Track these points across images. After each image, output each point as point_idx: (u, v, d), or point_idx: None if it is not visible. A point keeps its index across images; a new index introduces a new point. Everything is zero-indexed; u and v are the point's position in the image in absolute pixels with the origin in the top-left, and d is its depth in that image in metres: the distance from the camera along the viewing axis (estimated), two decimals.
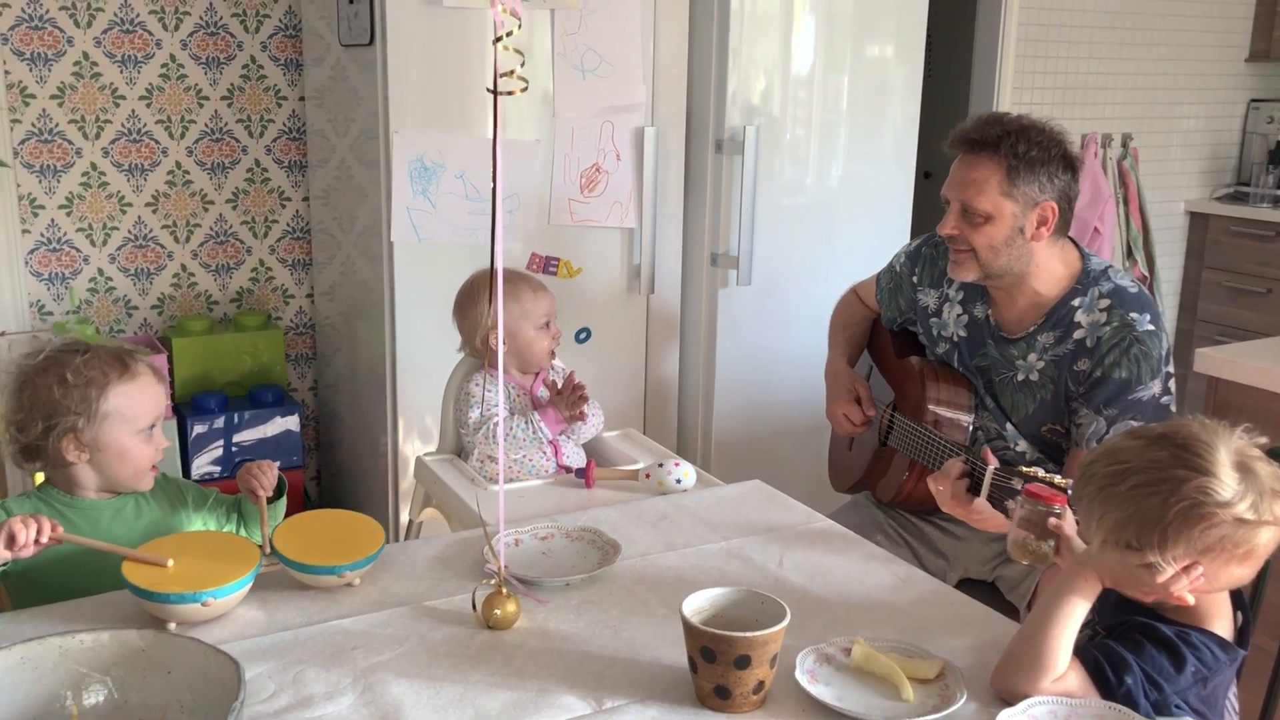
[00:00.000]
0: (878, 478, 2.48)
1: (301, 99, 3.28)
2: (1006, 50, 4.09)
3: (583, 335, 3.02)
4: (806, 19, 3.10)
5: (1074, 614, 1.40)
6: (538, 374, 2.38)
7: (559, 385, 2.31)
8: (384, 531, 1.73)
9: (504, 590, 1.58)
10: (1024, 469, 1.80)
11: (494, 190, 1.36)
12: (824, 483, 2.65)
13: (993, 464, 1.89)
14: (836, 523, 2.40)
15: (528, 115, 2.84)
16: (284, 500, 1.90)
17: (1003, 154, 2.10)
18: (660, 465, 2.16)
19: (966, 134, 2.17)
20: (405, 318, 2.79)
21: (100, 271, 3.13)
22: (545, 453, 2.29)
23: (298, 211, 3.36)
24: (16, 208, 2.97)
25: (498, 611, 1.57)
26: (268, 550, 1.67)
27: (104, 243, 3.12)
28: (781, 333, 3.24)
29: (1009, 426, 2.23)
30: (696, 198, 3.15)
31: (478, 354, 2.36)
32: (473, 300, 2.31)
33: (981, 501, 1.90)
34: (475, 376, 2.33)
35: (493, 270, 1.41)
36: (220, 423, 3.06)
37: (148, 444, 1.77)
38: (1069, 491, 1.63)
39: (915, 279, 2.41)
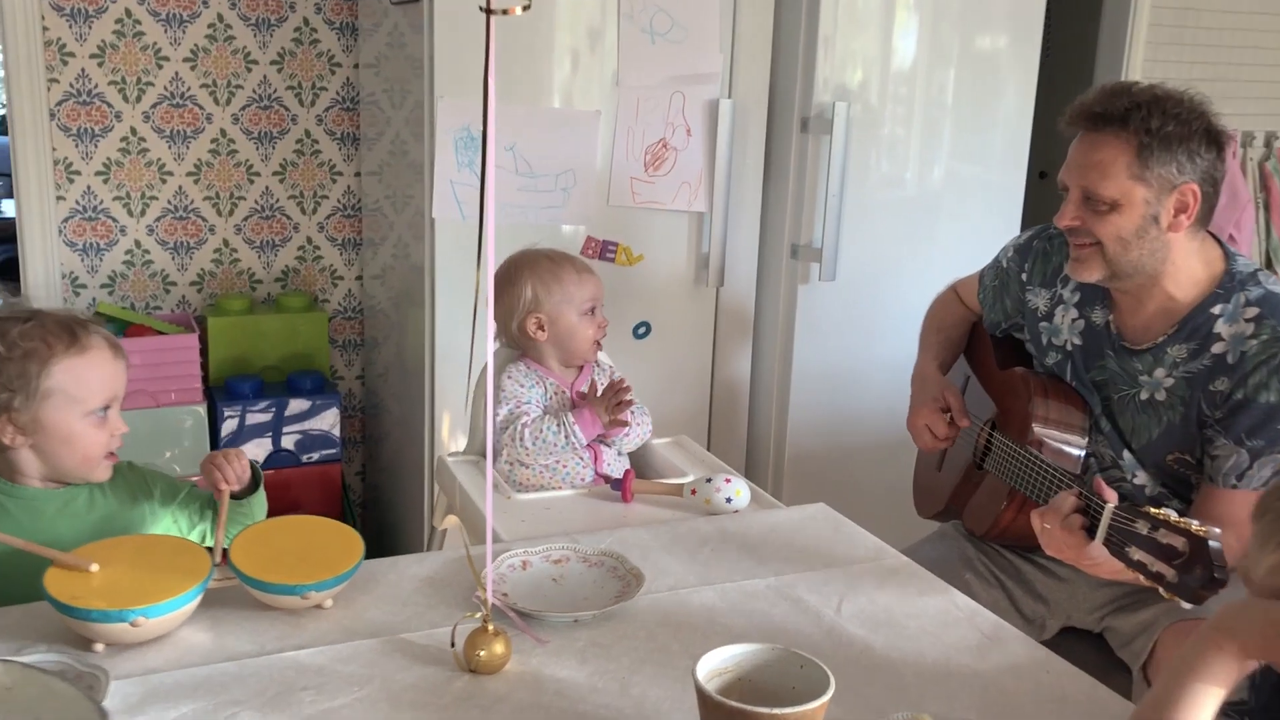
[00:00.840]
0: (970, 505, 2.15)
1: (356, 66, 3.05)
2: (1135, 42, 3.69)
3: (641, 330, 2.73)
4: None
5: (1206, 703, 1.07)
6: (581, 369, 2.10)
7: (599, 386, 2.03)
8: (363, 545, 1.47)
9: (490, 627, 1.30)
10: (1151, 510, 1.46)
11: (484, 130, 1.08)
12: (909, 507, 2.32)
13: (1112, 501, 1.55)
14: (918, 555, 2.09)
15: (586, 82, 2.56)
16: (260, 498, 1.65)
17: (1132, 129, 1.76)
18: (709, 481, 1.86)
19: (1088, 107, 1.83)
20: (446, 303, 2.53)
21: (137, 244, 2.95)
22: (583, 459, 2.01)
23: (349, 187, 3.14)
24: (51, 172, 2.80)
25: (481, 653, 1.29)
26: (218, 559, 1.42)
27: (142, 213, 2.94)
28: (867, 336, 2.90)
29: (1126, 454, 1.89)
30: (777, 182, 2.84)
31: (514, 343, 2.09)
32: (510, 282, 2.04)
33: (1098, 546, 1.56)
34: (509, 369, 2.06)
35: (481, 226, 1.13)
36: (252, 409, 2.85)
37: (100, 428, 1.54)
38: (1210, 541, 1.29)
39: (1025, 276, 2.07)
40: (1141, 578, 1.48)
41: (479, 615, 1.31)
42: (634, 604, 1.45)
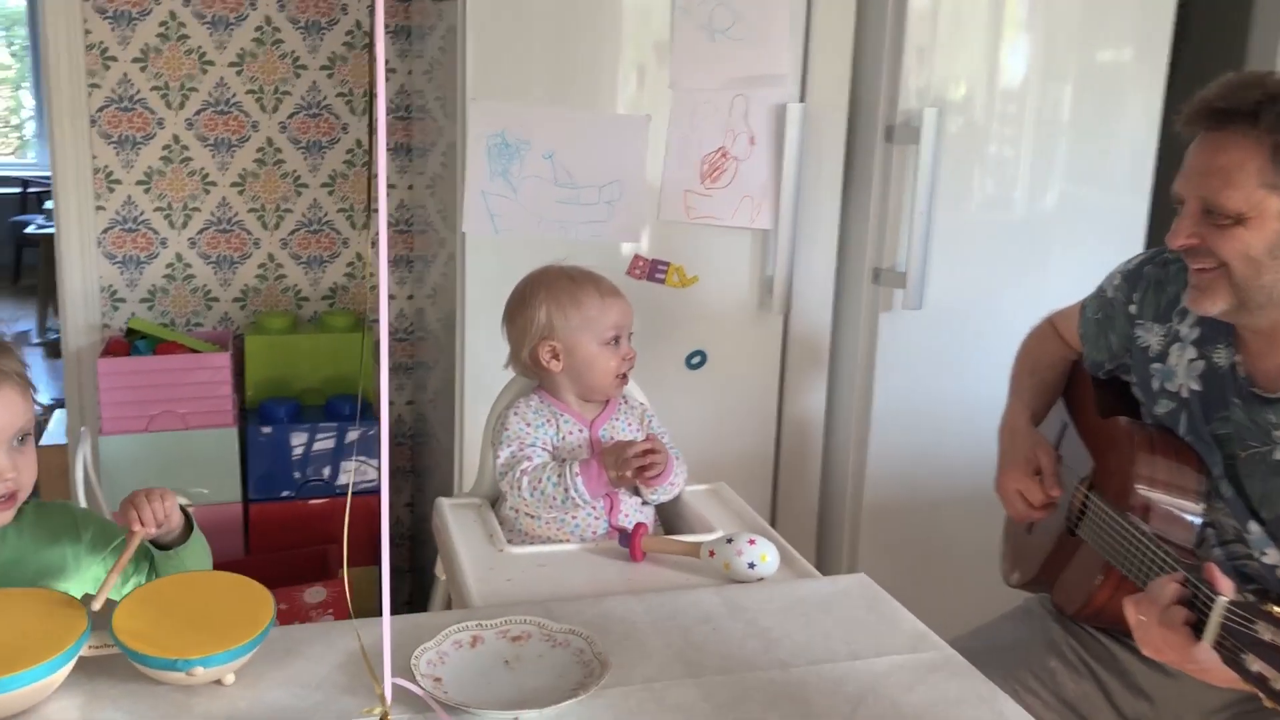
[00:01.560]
0: (1060, 578, 1.81)
1: (410, 73, 2.87)
2: None
3: (695, 360, 2.45)
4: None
5: None
6: (606, 404, 1.83)
7: (624, 426, 1.82)
8: (273, 610, 1.23)
9: None
10: (1278, 610, 1.13)
11: (371, 106, 0.83)
12: (999, 570, 1.99)
13: (1226, 592, 1.22)
14: (994, 636, 1.76)
15: (636, 84, 2.31)
16: (195, 549, 1.44)
17: (1264, 128, 1.43)
18: (729, 541, 1.58)
19: (1209, 103, 1.50)
20: (475, 327, 2.31)
21: (179, 257, 2.82)
22: (595, 509, 1.74)
23: (402, 201, 2.95)
24: (91, 181, 2.69)
25: None
26: (96, 606, 1.20)
27: (184, 225, 2.81)
28: (959, 372, 2.56)
29: (1254, 525, 1.54)
30: (857, 197, 2.53)
31: (527, 373, 1.85)
32: (523, 303, 1.80)
33: (1206, 650, 1.24)
34: (518, 404, 1.82)
35: (369, 207, 0.88)
36: (286, 434, 2.67)
37: None
38: None
39: (1134, 309, 1.74)
40: (1262, 696, 1.15)
41: (376, 712, 1.05)
42: (591, 701, 1.18)
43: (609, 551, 1.66)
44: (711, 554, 1.58)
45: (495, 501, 1.84)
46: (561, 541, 1.73)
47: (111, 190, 2.74)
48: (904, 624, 1.40)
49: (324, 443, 2.71)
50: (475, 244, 2.27)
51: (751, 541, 1.57)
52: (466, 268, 2.28)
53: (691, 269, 2.39)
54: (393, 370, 3.06)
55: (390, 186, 2.94)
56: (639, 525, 1.65)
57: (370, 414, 2.80)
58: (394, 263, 2.98)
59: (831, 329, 2.59)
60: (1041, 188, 2.55)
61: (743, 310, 2.47)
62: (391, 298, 3.00)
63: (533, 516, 1.75)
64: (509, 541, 1.75)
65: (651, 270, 2.36)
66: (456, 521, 1.78)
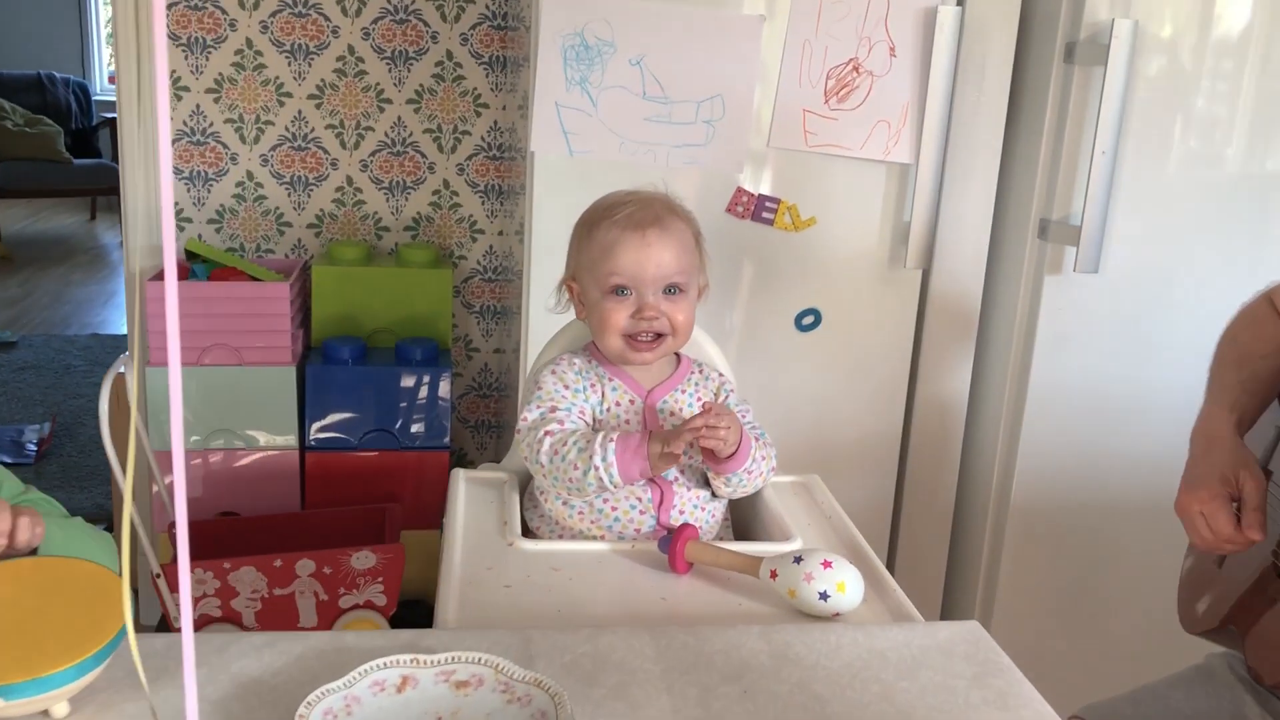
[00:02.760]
0: (1259, 633, 1.36)
1: None
2: None
3: (807, 321, 2.02)
4: None
5: None
6: (675, 370, 1.45)
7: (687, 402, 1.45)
8: (127, 615, 0.91)
9: None
10: None
11: None
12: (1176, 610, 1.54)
13: None
14: (1164, 706, 1.33)
15: None
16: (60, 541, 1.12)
17: None
18: (798, 561, 1.18)
19: None
20: (541, 265, 1.95)
21: (249, 175, 2.55)
22: (640, 500, 1.37)
23: (496, 122, 2.61)
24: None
25: None
26: None
27: (255, 140, 2.54)
28: (1142, 353, 2.06)
29: None
30: (1025, 129, 2.05)
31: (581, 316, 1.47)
32: (583, 227, 1.43)
33: None
34: (562, 359, 1.45)
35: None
36: (347, 378, 2.38)
37: None
38: None
39: None
40: None
41: None
42: None
43: (646, 558, 1.28)
44: (774, 575, 1.19)
45: (529, 482, 1.48)
46: (594, 538, 1.36)
47: (179, 98, 2.48)
48: (1021, 704, 0.98)
49: (391, 390, 2.41)
50: (545, 168, 1.90)
51: (827, 564, 1.17)
52: (534, 195, 1.92)
53: (808, 209, 1.96)
54: (479, 314, 2.74)
55: (483, 106, 2.60)
56: (685, 528, 1.27)
57: (448, 360, 2.49)
58: (484, 192, 2.64)
59: (984, 292, 2.12)
60: (1264, 132, 2.01)
61: (870, 263, 2.03)
62: (480, 232, 2.67)
63: (566, 503, 1.39)
64: (527, 533, 1.39)
65: (758, 208, 1.94)
66: (468, 500, 1.43)
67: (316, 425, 2.41)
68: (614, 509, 1.38)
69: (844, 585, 1.16)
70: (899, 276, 2.04)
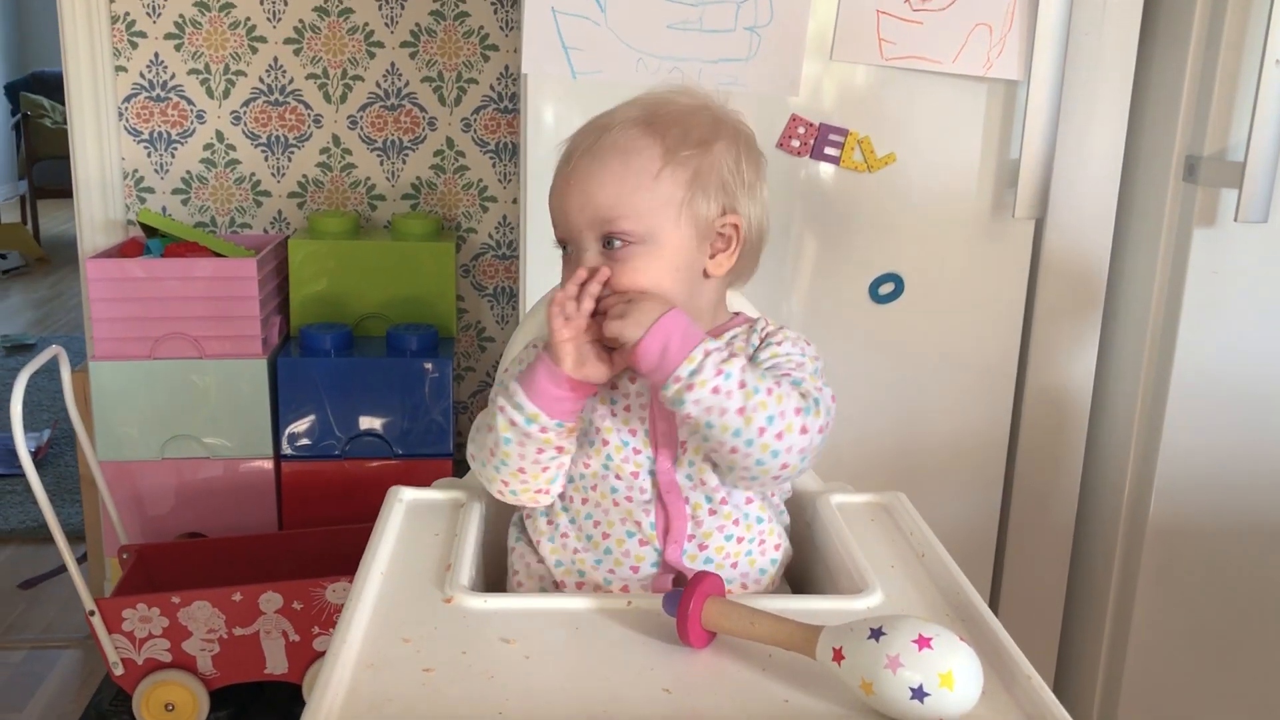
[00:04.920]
0: None
1: None
2: None
3: (886, 289, 1.57)
4: None
5: None
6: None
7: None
8: None
9: None
10: None
11: None
12: None
13: None
14: None
15: None
16: None
17: None
18: (877, 637, 0.74)
19: None
20: (538, 224, 1.52)
21: (219, 136, 2.18)
22: (641, 523, 0.95)
23: (507, 68, 2.20)
24: (109, 32, 2.07)
25: None
26: None
27: (225, 94, 2.16)
28: None
29: None
30: (1166, 39, 1.59)
31: None
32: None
33: None
34: (536, 344, 1.03)
35: None
36: (326, 373, 1.99)
37: None
38: None
39: None
40: None
41: None
42: None
43: (647, 622, 0.86)
44: (839, 656, 0.75)
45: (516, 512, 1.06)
46: (589, 587, 0.95)
47: (134, 46, 2.11)
48: None
49: (382, 386, 2.01)
50: (541, 94, 1.49)
51: (925, 642, 0.73)
52: (529, 132, 1.50)
53: (884, 143, 1.52)
54: (493, 297, 2.32)
55: (491, 48, 2.19)
56: (703, 579, 0.83)
57: (451, 350, 2.08)
58: (494, 152, 2.24)
59: (1113, 250, 1.65)
60: None
61: (966, 213, 1.57)
62: (491, 200, 2.26)
63: (578, 537, 0.98)
64: (499, 587, 0.98)
65: (819, 142, 1.50)
66: (403, 532, 1.01)
67: (291, 429, 2.02)
68: (601, 530, 0.96)
69: (951, 677, 0.72)
70: (1004, 229, 1.58)
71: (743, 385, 0.87)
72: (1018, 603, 1.77)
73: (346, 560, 1.91)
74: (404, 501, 1.07)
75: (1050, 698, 0.75)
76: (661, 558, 0.95)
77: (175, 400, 1.98)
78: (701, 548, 0.95)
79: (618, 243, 0.92)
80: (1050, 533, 1.75)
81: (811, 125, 1.49)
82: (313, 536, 1.97)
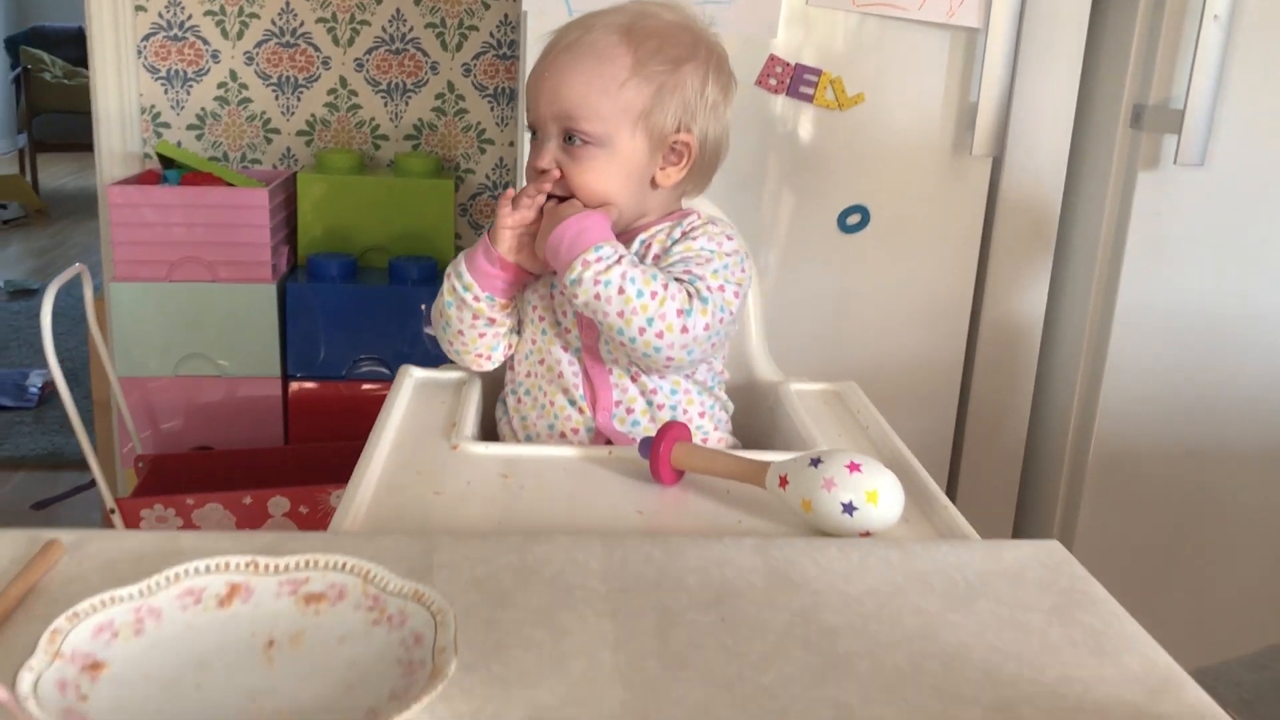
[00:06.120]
0: None
1: None
2: None
3: (853, 220, 1.71)
4: None
5: None
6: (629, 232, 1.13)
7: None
8: None
9: None
10: None
11: None
12: None
13: None
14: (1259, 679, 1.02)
15: None
16: None
17: None
18: (814, 464, 0.87)
19: None
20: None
21: (232, 75, 2.29)
22: (571, 395, 1.09)
23: (506, 16, 2.32)
24: None
25: None
26: None
27: (239, 35, 2.28)
28: (1256, 264, 1.73)
29: None
30: (1118, 4, 1.72)
31: None
32: None
33: None
34: None
35: None
36: (333, 297, 2.12)
37: None
38: None
39: None
40: None
41: None
42: None
43: (626, 466, 0.99)
44: (784, 482, 0.89)
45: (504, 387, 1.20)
46: (544, 440, 1.09)
47: None
48: (1124, 648, 0.67)
49: (384, 312, 2.14)
50: (541, 28, 1.61)
51: (854, 467, 0.87)
52: (523, 67, 1.63)
53: (855, 83, 1.65)
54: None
55: (485, 5, 2.31)
56: (672, 427, 0.97)
57: (439, 277, 2.21)
58: (493, 96, 2.36)
59: (1065, 189, 1.79)
60: None
61: (929, 150, 1.71)
62: (489, 142, 2.38)
63: (531, 407, 1.11)
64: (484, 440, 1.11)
65: (794, 81, 1.63)
66: (414, 399, 1.15)
67: (300, 351, 2.15)
68: (548, 400, 1.10)
69: (876, 494, 0.86)
70: (963, 166, 1.71)
71: (622, 291, 0.98)
72: (970, 514, 1.91)
73: (349, 471, 2.05)
74: (414, 377, 1.20)
75: (961, 520, 0.89)
76: (594, 423, 1.09)
77: (189, 321, 2.10)
78: (629, 412, 1.08)
79: (577, 140, 1.02)
80: (1001, 454, 1.89)
81: (788, 65, 1.63)
82: (317, 451, 2.10)
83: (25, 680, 0.54)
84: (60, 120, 6.27)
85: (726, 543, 0.78)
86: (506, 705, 0.58)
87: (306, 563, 0.67)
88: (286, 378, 2.16)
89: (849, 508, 0.86)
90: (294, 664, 0.61)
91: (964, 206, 1.74)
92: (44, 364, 3.62)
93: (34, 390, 3.34)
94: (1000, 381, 1.85)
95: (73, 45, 6.79)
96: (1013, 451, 1.89)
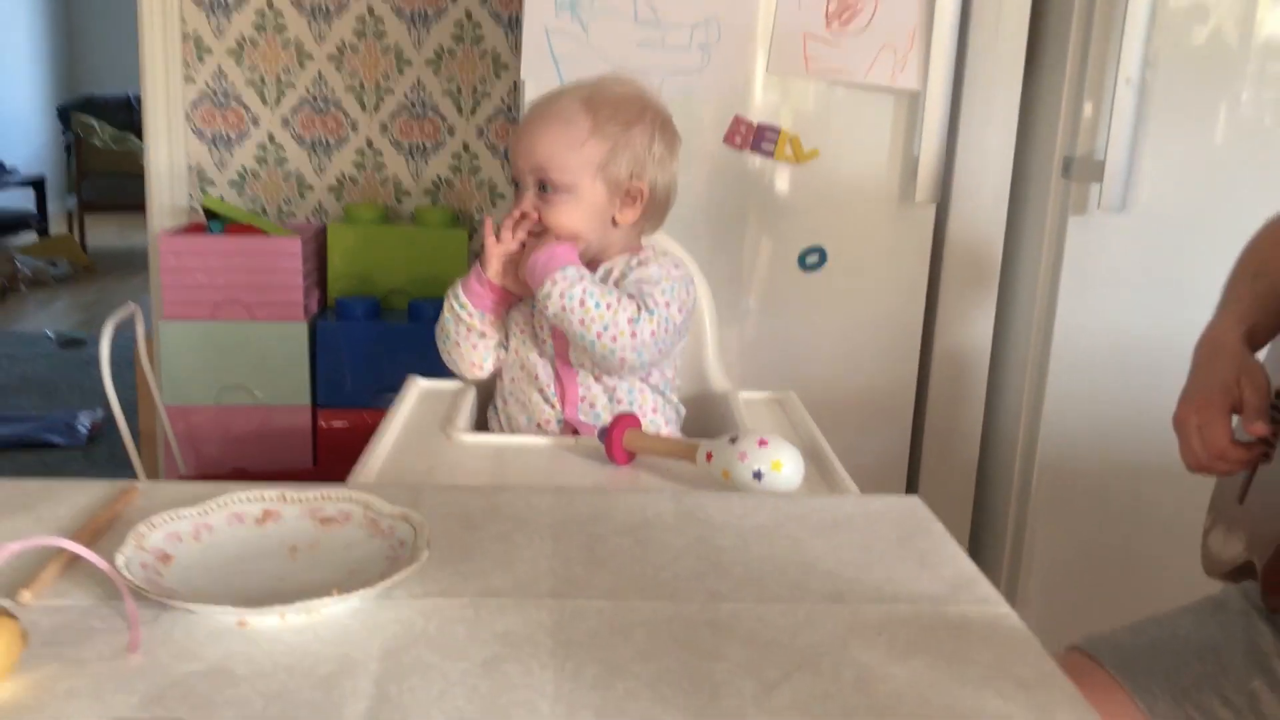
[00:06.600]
0: (1271, 557, 1.24)
1: None
2: None
3: (811, 259, 1.93)
4: None
5: None
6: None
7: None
8: None
9: None
10: None
11: None
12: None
13: None
14: (1170, 631, 1.22)
15: None
16: None
17: None
18: (733, 442, 1.09)
19: None
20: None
21: (270, 137, 2.56)
22: (545, 393, 1.32)
23: (515, 84, 2.58)
24: (180, 48, 2.47)
25: None
26: None
27: (277, 101, 2.55)
28: (1174, 299, 1.93)
29: None
30: (1048, 59, 1.95)
31: None
32: None
33: None
34: None
35: None
36: (357, 335, 2.36)
37: None
38: None
39: None
40: None
41: None
42: (375, 609, 0.75)
43: (589, 451, 1.21)
44: (709, 457, 1.11)
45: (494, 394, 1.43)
46: (522, 431, 1.32)
47: (201, 60, 2.51)
48: (943, 563, 0.88)
49: (404, 347, 2.38)
50: (536, 94, 1.86)
51: (763, 442, 1.08)
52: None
53: (810, 139, 1.88)
54: None
55: (502, 67, 2.58)
56: (624, 417, 1.19)
57: None
58: (504, 155, 2.61)
59: (1007, 231, 2.01)
60: None
61: (878, 197, 1.93)
62: (500, 196, 2.64)
63: (514, 405, 1.34)
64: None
65: (757, 139, 1.87)
66: (418, 402, 1.38)
67: (329, 383, 2.38)
68: (523, 392, 1.32)
69: (780, 464, 1.07)
70: (910, 212, 1.94)
71: (583, 304, 1.22)
72: None
73: None
74: (419, 386, 1.43)
75: (849, 482, 1.10)
76: (563, 416, 1.31)
77: (229, 356, 2.35)
78: (591, 406, 1.31)
79: (549, 188, 1.27)
80: (956, 471, 2.09)
81: (751, 125, 1.86)
82: (343, 472, 2.32)
83: (119, 559, 0.76)
84: (107, 182, 6.63)
85: (651, 494, 1.00)
86: (465, 585, 0.80)
87: (322, 496, 0.89)
88: (316, 406, 2.40)
89: (758, 475, 1.07)
90: (311, 561, 0.83)
91: (912, 247, 1.96)
92: (92, 405, 3.89)
93: (83, 430, 3.59)
94: (952, 406, 2.06)
95: (120, 112, 7.18)
96: (966, 470, 2.09)
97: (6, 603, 0.71)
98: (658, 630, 0.74)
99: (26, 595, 0.73)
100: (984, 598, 0.82)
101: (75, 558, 0.77)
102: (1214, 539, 1.42)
